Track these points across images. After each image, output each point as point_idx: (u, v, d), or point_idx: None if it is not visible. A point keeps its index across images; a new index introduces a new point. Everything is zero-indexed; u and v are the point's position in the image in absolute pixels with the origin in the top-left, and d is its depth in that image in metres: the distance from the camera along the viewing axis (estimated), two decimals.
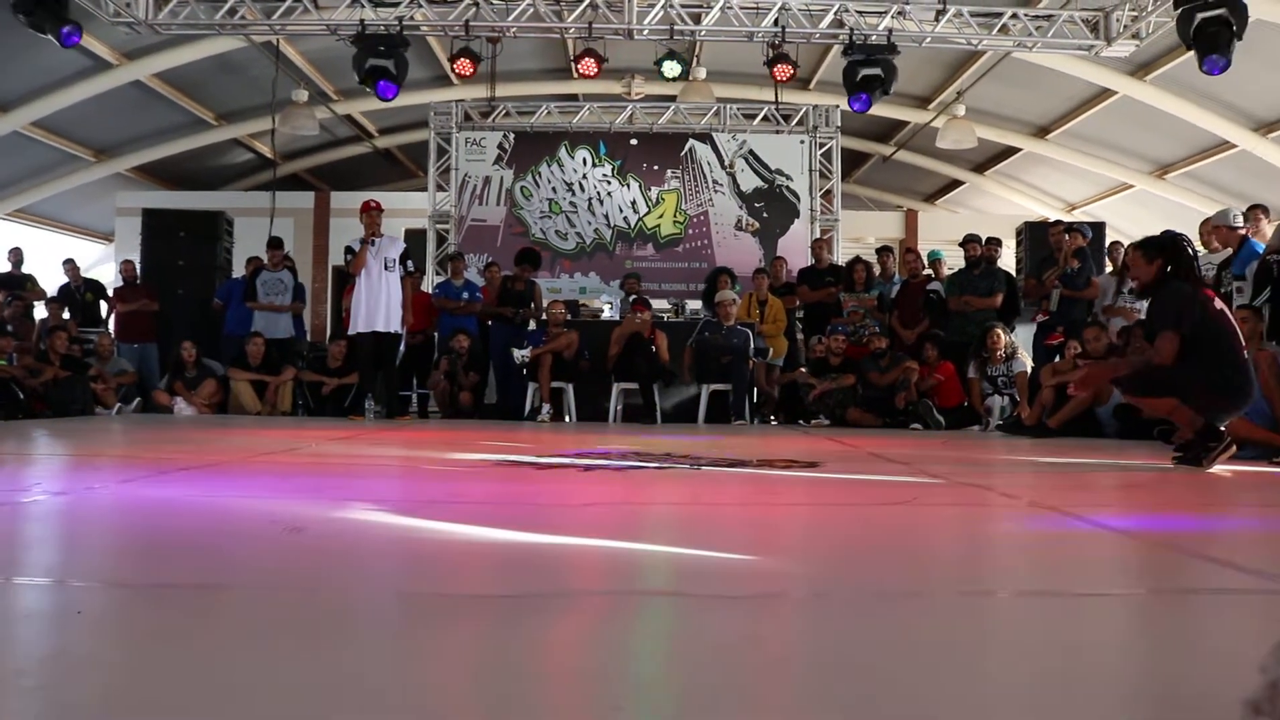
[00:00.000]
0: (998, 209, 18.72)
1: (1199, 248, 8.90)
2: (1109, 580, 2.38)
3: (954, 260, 11.48)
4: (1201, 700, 1.38)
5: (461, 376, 10.36)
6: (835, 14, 10.79)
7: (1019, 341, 10.07)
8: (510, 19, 10.72)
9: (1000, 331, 9.41)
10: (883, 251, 11.63)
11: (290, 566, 2.30)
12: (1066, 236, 9.99)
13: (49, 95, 13.20)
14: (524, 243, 12.99)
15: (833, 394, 9.77)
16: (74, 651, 1.56)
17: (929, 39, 11.02)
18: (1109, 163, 15.49)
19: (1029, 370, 9.37)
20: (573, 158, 13.97)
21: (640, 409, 10.03)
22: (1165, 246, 5.48)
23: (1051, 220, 13.15)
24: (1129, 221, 15.82)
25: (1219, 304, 5.40)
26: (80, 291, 12.25)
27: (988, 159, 17.37)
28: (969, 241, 10.43)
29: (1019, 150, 16.34)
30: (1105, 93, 13.36)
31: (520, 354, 10.03)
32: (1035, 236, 12.63)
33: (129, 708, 1.27)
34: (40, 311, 11.73)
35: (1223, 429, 5.19)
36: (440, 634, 1.69)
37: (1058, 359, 9.06)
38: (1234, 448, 5.15)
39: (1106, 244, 11.44)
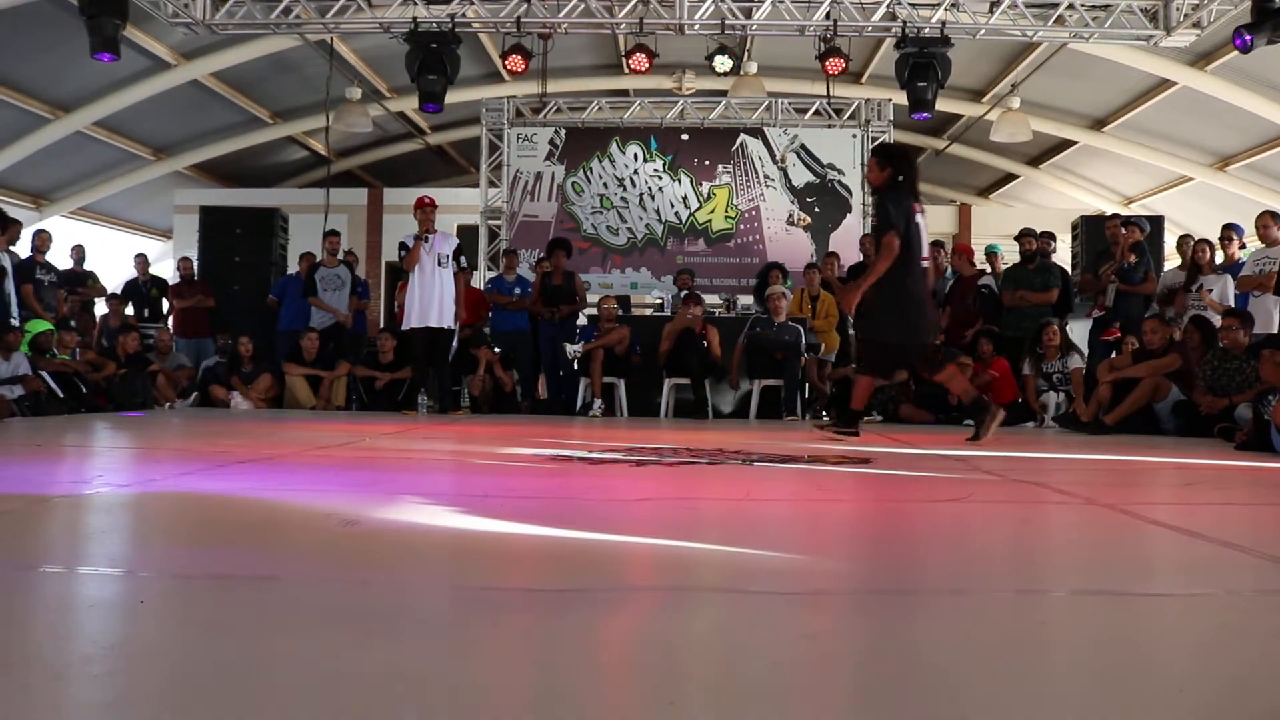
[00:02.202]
0: (1053, 203, 18.47)
1: (1256, 240, 8.81)
2: (1170, 580, 2.34)
3: (1009, 255, 11.35)
4: (1269, 705, 1.35)
5: (500, 373, 10.41)
6: (888, 7, 10.70)
7: (1075, 337, 9.93)
8: (561, 15, 10.75)
9: (1056, 327, 9.29)
10: (934, 246, 11.49)
11: (344, 559, 2.32)
12: (1124, 230, 9.83)
13: (110, 96, 13.46)
14: (575, 239, 13.01)
15: (885, 390, 9.69)
16: (138, 640, 1.59)
17: (983, 31, 10.89)
18: (1168, 155, 15.22)
19: (1084, 366, 9.24)
20: (624, 153, 13.98)
21: (692, 404, 10.02)
22: (896, 157, 6.25)
23: (1108, 214, 12.94)
24: (1188, 215, 15.54)
25: (920, 220, 6.19)
26: (146, 287, 12.48)
27: (1043, 152, 17.13)
28: (1024, 236, 10.29)
29: (1075, 143, 16.10)
30: (1164, 83, 13.12)
31: (572, 349, 10.06)
32: (1091, 230, 12.44)
33: (190, 695, 1.30)
34: (101, 307, 11.94)
35: (986, 399, 6.30)
36: (492, 627, 1.71)
37: (1114, 355, 8.92)
38: (1001, 413, 6.23)
39: (1174, 239, 11.25)
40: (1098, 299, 9.98)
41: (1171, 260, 11.82)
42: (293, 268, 12.53)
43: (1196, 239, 9.59)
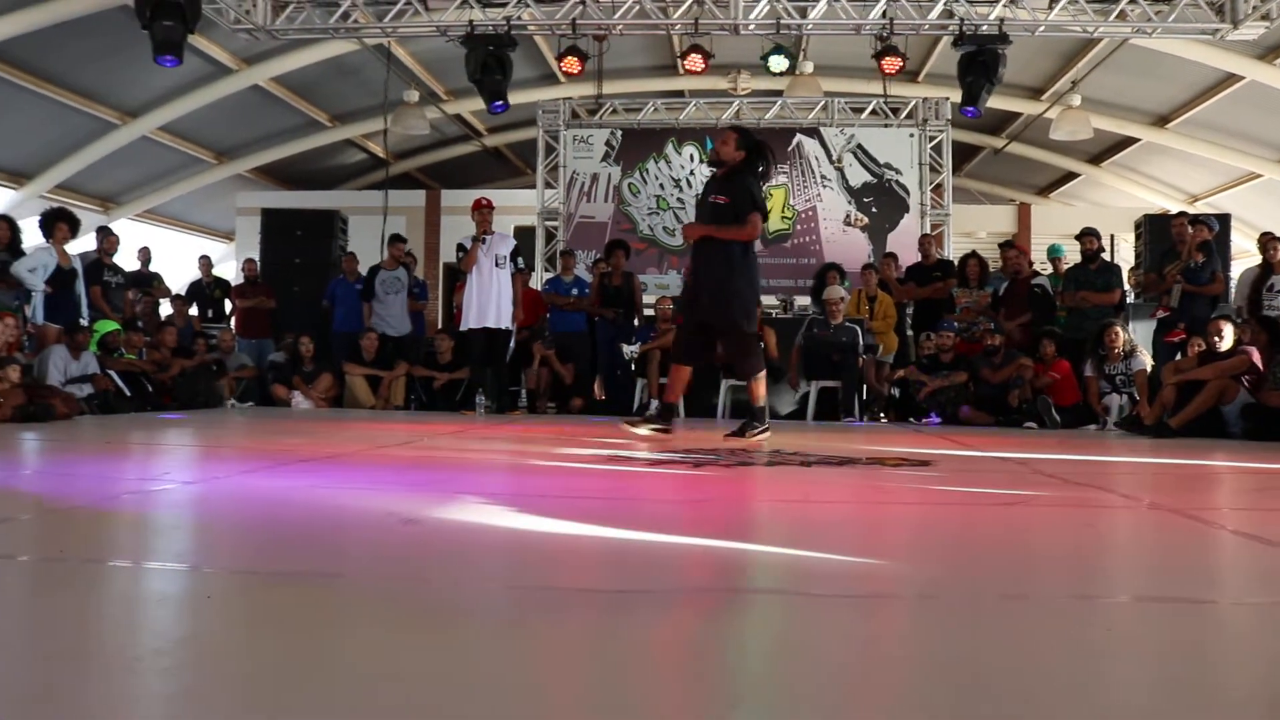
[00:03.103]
0: (1115, 201, 18.18)
1: None
2: (1237, 587, 2.30)
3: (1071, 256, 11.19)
4: None
5: (558, 367, 10.46)
6: (945, 4, 10.57)
7: (1138, 338, 9.77)
8: (616, 16, 10.75)
9: (1119, 328, 9.15)
10: (1005, 246, 11.35)
11: (405, 557, 2.35)
12: (1190, 229, 9.64)
13: (174, 101, 13.72)
14: (632, 239, 13.03)
15: (944, 391, 9.61)
16: (205, 634, 1.62)
17: (1042, 27, 10.71)
18: (1234, 151, 14.90)
19: (1149, 368, 9.08)
20: (680, 154, 13.98)
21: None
22: (755, 147, 6.20)
23: (1173, 212, 12.71)
24: (1257, 213, 15.23)
25: None
26: (210, 288, 12.71)
27: (1104, 150, 16.87)
28: (1086, 235, 10.13)
29: (1137, 140, 15.83)
30: (1230, 78, 12.86)
31: (629, 350, 10.08)
32: (1155, 229, 12.22)
33: (257, 689, 1.32)
34: (166, 308, 12.17)
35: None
36: (549, 627, 1.71)
37: (1179, 357, 8.76)
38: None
39: (1242, 237, 11.02)
40: (1162, 299, 9.80)
41: (1244, 259, 11.59)
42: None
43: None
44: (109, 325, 9.50)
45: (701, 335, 6.41)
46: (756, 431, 6.22)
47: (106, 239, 10.68)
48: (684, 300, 6.65)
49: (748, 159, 6.19)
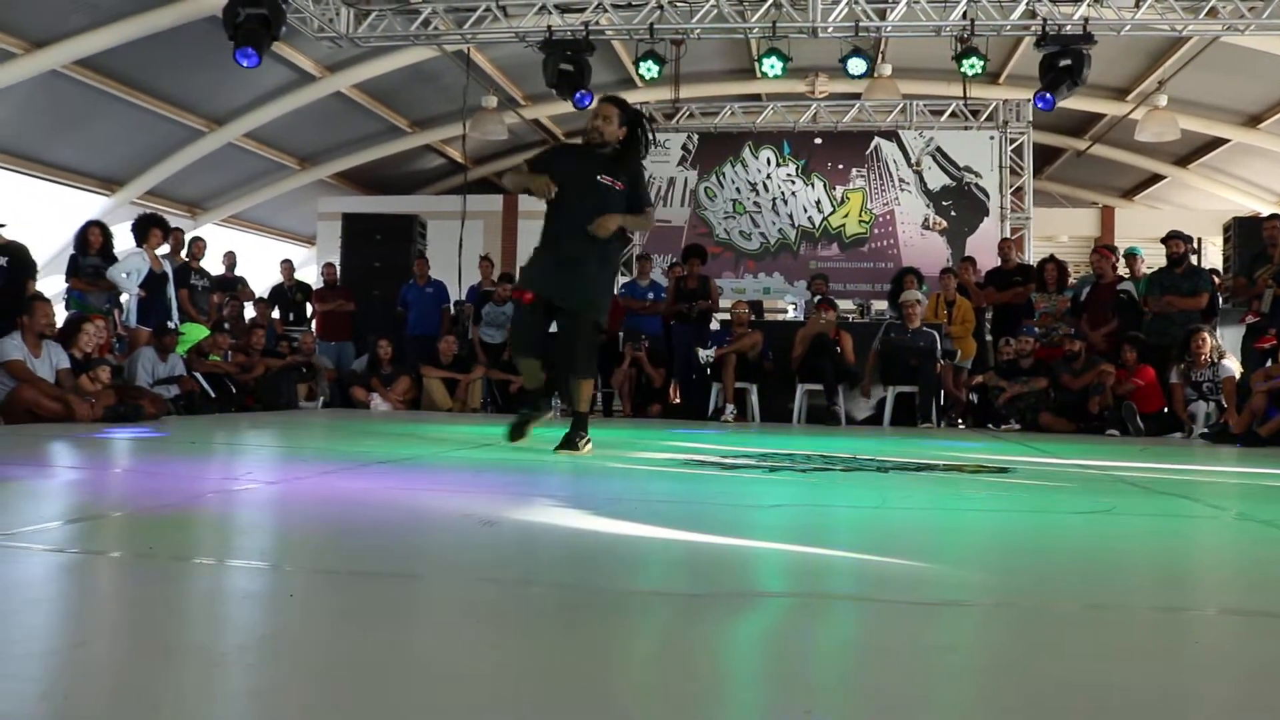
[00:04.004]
0: (1202, 204, 17.73)
1: None
2: None
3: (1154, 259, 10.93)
4: None
5: (649, 370, 10.48)
6: (1027, 4, 10.40)
7: (1227, 344, 9.51)
8: (694, 20, 10.76)
9: (1206, 334, 8.92)
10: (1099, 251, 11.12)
11: (482, 558, 2.37)
12: None
13: (259, 109, 14.03)
14: (708, 243, 13.03)
15: (1024, 397, 9.46)
16: (287, 632, 1.65)
17: (1128, 27, 10.48)
18: None
19: (1238, 375, 8.84)
20: (757, 158, 13.94)
21: (825, 410, 9.93)
22: (636, 120, 5.57)
23: (1265, 215, 12.35)
24: None
25: None
26: (291, 292, 12.96)
27: (1192, 151, 16.46)
28: (1172, 238, 9.89)
29: (1227, 141, 15.43)
30: None
31: (705, 354, 10.08)
32: (1245, 232, 11.89)
33: (336, 686, 1.34)
34: (250, 311, 12.44)
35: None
36: (624, 629, 1.72)
37: (1270, 363, 8.51)
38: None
39: None
40: (1251, 304, 9.53)
41: None
42: (436, 274, 12.71)
43: None
44: (200, 331, 9.74)
45: (548, 319, 5.62)
46: (586, 440, 5.53)
47: (195, 244, 10.94)
48: (533, 276, 5.74)
49: (631, 134, 5.55)
